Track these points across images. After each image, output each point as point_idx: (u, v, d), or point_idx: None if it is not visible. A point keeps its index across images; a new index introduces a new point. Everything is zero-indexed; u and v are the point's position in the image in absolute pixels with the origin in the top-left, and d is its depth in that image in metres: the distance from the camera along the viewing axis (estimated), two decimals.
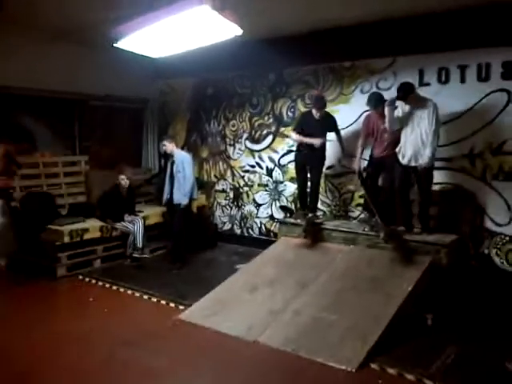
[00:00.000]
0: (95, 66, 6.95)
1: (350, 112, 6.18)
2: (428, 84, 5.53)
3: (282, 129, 6.88)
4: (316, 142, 5.65)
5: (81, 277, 5.73)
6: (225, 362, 3.62)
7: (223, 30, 4.62)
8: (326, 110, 5.80)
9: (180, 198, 6.05)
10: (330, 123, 5.79)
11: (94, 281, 5.60)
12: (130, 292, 5.20)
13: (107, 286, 5.44)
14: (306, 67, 6.56)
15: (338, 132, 5.86)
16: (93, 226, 6.10)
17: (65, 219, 6.16)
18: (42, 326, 4.22)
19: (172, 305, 4.79)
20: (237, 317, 4.30)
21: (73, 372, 3.44)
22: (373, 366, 3.50)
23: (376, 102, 5.35)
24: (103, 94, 7.32)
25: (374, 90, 5.87)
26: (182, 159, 6.12)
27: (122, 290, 5.29)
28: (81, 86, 6.96)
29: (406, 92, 4.92)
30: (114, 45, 4.80)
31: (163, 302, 4.88)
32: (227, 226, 7.63)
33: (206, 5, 4.10)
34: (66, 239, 5.73)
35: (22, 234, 6.06)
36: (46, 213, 6.11)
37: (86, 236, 5.97)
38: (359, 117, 6.03)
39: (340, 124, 6.05)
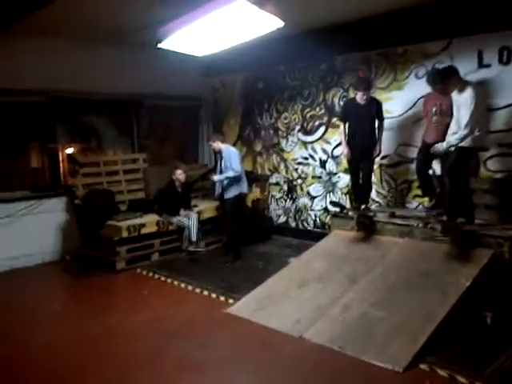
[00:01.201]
0: (148, 67, 7.17)
1: (404, 99, 5.91)
2: (488, 65, 5.15)
3: (334, 119, 6.71)
4: (345, 152, 5.70)
5: (139, 270, 5.97)
6: (269, 358, 3.62)
7: (264, 23, 4.58)
8: (375, 96, 5.60)
9: (229, 192, 6.11)
10: (375, 108, 5.55)
11: (150, 274, 5.82)
12: (183, 285, 5.34)
13: (162, 279, 5.62)
14: (357, 54, 6.35)
15: (382, 119, 5.61)
16: (150, 221, 6.33)
17: (124, 215, 6.45)
18: (97, 318, 4.45)
19: (222, 298, 4.86)
20: (284, 312, 4.28)
21: (122, 363, 3.59)
22: (422, 366, 3.33)
23: (431, 76, 5.05)
24: (157, 93, 7.52)
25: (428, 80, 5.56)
26: (229, 154, 6.17)
27: (176, 282, 5.45)
28: (136, 87, 7.23)
29: (444, 76, 4.68)
30: (158, 45, 4.91)
31: (214, 295, 4.97)
32: (282, 219, 7.61)
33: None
34: (124, 234, 5.98)
35: (85, 229, 6.43)
36: (106, 209, 6.42)
37: (144, 231, 6.20)
38: (415, 103, 5.76)
39: (395, 111, 5.83)
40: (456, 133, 4.62)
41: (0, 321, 4.49)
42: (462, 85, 4.62)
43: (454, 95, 4.71)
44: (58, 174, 6.91)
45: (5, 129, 6.33)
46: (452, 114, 4.78)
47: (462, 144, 4.59)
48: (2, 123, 6.30)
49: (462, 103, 4.56)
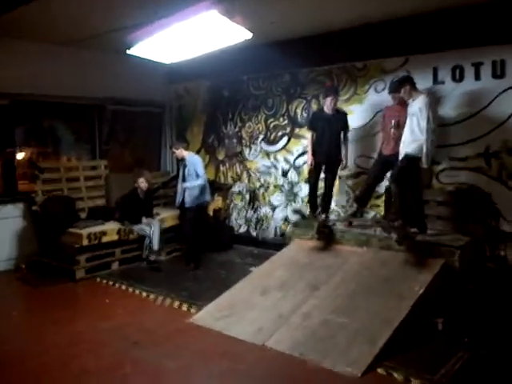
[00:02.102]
0: (112, 71, 7.12)
1: (364, 112, 6.14)
2: (442, 82, 5.46)
3: (297, 130, 6.88)
4: (309, 162, 5.85)
5: (99, 279, 5.87)
6: (232, 367, 3.65)
7: (233, 34, 4.67)
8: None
9: (190, 201, 6.13)
10: (342, 119, 5.73)
11: (111, 283, 5.74)
12: (144, 294, 5.30)
13: (124, 288, 5.56)
14: (320, 68, 6.54)
15: (347, 131, 5.80)
16: (111, 229, 6.24)
17: (84, 222, 6.33)
18: (58, 328, 4.35)
19: (184, 307, 4.86)
20: (246, 320, 4.33)
21: (84, 372, 3.54)
22: (379, 370, 3.47)
23: (390, 84, 5.40)
24: (120, 98, 7.46)
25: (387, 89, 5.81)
26: (193, 162, 6.20)
27: (137, 291, 5.40)
28: (99, 91, 7.15)
29: (399, 83, 4.98)
30: (127, 52, 4.91)
31: (176, 304, 4.96)
32: (243, 229, 7.67)
33: (214, 10, 4.16)
34: (85, 242, 5.88)
35: (43, 236, 6.28)
36: (66, 216, 6.28)
37: (104, 239, 6.11)
38: (374, 116, 6.00)
39: (355, 124, 6.03)
40: (412, 142, 4.77)
41: None
42: (416, 93, 4.85)
43: (409, 106, 4.92)
44: (15, 180, 6.71)
45: None
46: None
47: (411, 152, 4.77)
48: None
49: (416, 111, 4.75)
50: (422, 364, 3.54)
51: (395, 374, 3.41)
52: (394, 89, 5.20)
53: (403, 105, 5.17)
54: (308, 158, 5.91)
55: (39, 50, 6.35)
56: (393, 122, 5.25)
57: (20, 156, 6.86)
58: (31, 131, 7.07)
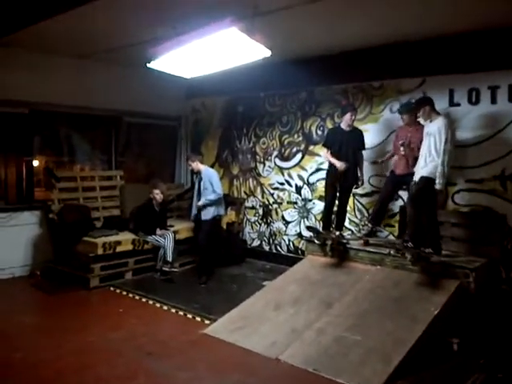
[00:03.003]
0: (131, 84, 7.24)
1: (379, 131, 6.20)
2: (458, 104, 5.50)
3: (311, 147, 6.94)
4: (338, 164, 5.62)
5: (112, 288, 5.92)
6: (245, 379, 3.66)
7: (252, 51, 4.77)
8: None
9: (205, 214, 6.19)
10: (358, 137, 5.79)
11: (124, 292, 5.79)
12: (158, 305, 5.34)
13: (137, 298, 5.60)
14: (336, 86, 6.63)
15: (363, 149, 5.85)
16: (125, 239, 6.31)
17: (99, 231, 6.41)
18: (71, 336, 4.39)
19: (198, 319, 4.89)
20: (260, 334, 4.35)
21: (97, 381, 3.57)
22: None
23: (401, 107, 5.46)
24: (137, 111, 7.59)
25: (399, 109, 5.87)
26: (209, 176, 6.27)
27: (150, 302, 5.44)
28: (116, 104, 7.28)
29: (419, 103, 5.02)
30: (147, 65, 5.03)
31: (190, 315, 4.99)
32: (256, 243, 7.71)
33: (234, 27, 4.27)
34: (100, 251, 5.95)
35: (58, 244, 6.35)
36: (81, 225, 6.37)
37: (119, 248, 6.18)
38: (388, 136, 6.05)
39: (369, 143, 6.08)
40: (429, 163, 4.82)
41: None
42: (435, 115, 4.90)
43: (426, 126, 4.98)
44: (32, 188, 6.83)
45: None
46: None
47: (427, 174, 4.81)
48: None
49: (434, 132, 4.79)
50: None
51: None
52: (410, 109, 5.25)
53: (415, 125, 5.26)
54: (335, 162, 5.69)
55: (59, 62, 6.51)
56: (402, 140, 5.30)
57: (36, 164, 6.97)
58: (48, 140, 7.20)
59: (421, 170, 4.89)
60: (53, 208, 6.45)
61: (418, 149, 5.11)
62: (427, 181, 4.82)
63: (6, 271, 6.14)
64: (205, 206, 6.23)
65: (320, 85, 6.75)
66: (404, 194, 5.73)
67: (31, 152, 6.80)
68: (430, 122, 4.91)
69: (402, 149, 5.26)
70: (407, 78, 5.90)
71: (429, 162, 4.82)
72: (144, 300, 5.49)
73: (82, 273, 5.95)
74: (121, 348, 4.15)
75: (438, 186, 4.77)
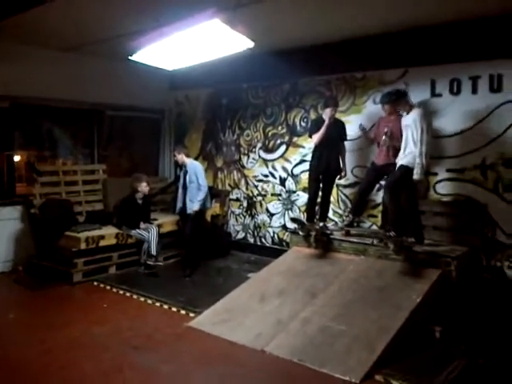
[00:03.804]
0: (113, 77, 7.15)
1: (362, 122, 6.20)
2: (440, 95, 5.55)
3: (295, 138, 6.95)
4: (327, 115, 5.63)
5: (96, 283, 5.87)
6: (231, 371, 3.67)
7: (235, 42, 4.74)
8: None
9: (192, 207, 6.17)
10: (340, 128, 5.81)
11: (108, 287, 5.73)
12: (142, 299, 5.31)
13: (121, 292, 5.56)
14: (319, 77, 6.63)
15: (345, 140, 5.88)
16: (109, 233, 6.25)
17: (82, 226, 6.34)
18: (55, 331, 4.34)
19: (183, 312, 4.88)
20: (245, 326, 4.36)
21: (83, 376, 3.54)
22: (377, 377, 3.50)
23: (383, 96, 5.47)
24: (120, 104, 7.50)
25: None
26: (195, 169, 6.25)
27: (135, 296, 5.40)
28: (99, 97, 7.18)
29: (399, 96, 5.11)
30: (130, 58, 4.96)
31: (174, 309, 4.98)
32: (241, 235, 7.71)
33: (217, 19, 4.23)
34: (83, 245, 5.89)
35: (41, 239, 6.27)
36: (64, 219, 6.28)
37: (102, 243, 6.12)
38: (371, 127, 6.06)
39: (352, 134, 6.10)
40: (407, 154, 4.91)
41: None
42: (410, 107, 5.00)
43: (403, 118, 5.07)
44: (14, 182, 6.72)
45: None
46: (401, 137, 5.10)
47: (405, 164, 4.91)
48: None
49: (410, 124, 4.89)
50: (420, 371, 3.59)
51: (393, 381, 3.45)
52: (391, 100, 5.28)
53: (396, 116, 5.31)
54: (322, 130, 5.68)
55: (40, 54, 6.37)
56: (385, 129, 5.32)
57: (17, 159, 6.86)
58: (30, 134, 7.07)
59: (400, 161, 4.98)
60: (35, 203, 6.36)
61: (398, 139, 5.17)
62: (405, 169, 4.92)
63: None
64: (190, 200, 6.21)
65: (303, 76, 6.74)
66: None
67: (12, 146, 6.67)
68: (407, 113, 5.00)
69: (384, 138, 5.30)
70: (390, 69, 5.93)
71: (408, 153, 4.92)
72: (128, 294, 5.46)
73: (64, 268, 5.88)
74: (106, 343, 4.12)
75: (416, 176, 4.84)
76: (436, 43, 5.46)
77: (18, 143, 6.87)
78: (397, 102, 5.13)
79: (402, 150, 5.01)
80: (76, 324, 4.57)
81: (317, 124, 5.82)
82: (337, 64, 6.34)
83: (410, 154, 4.88)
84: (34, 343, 4.08)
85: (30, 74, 6.30)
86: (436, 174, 5.60)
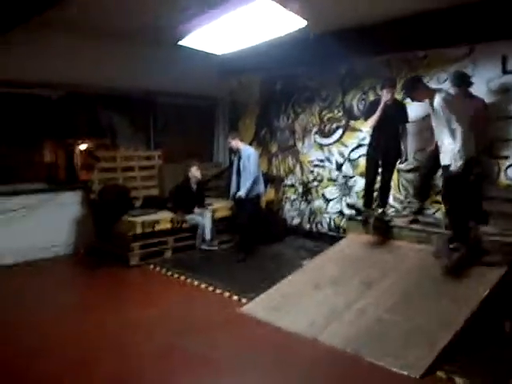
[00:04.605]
0: (164, 64, 7.11)
1: (424, 104, 5.82)
2: None
3: (352, 122, 6.68)
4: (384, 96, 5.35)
5: (152, 266, 5.97)
6: (282, 358, 3.59)
7: (287, 22, 4.56)
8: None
9: (245, 193, 6.10)
10: (400, 110, 5.48)
11: (164, 270, 5.81)
12: (196, 283, 5.32)
13: (176, 276, 5.61)
14: (378, 58, 6.30)
15: (406, 122, 5.54)
16: (164, 218, 6.33)
17: (138, 211, 6.48)
18: (110, 312, 4.46)
19: (235, 297, 4.84)
20: (298, 313, 4.25)
21: (132, 357, 3.59)
22: (439, 373, 3.28)
23: (456, 79, 5.03)
24: (173, 91, 7.52)
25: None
26: (249, 155, 6.17)
27: (189, 280, 5.43)
28: (151, 84, 7.21)
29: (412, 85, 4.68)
30: (179, 43, 4.91)
31: (227, 294, 4.95)
32: (296, 221, 7.57)
33: None
34: (139, 230, 6.00)
35: (100, 223, 6.44)
36: (121, 204, 6.44)
37: (158, 227, 6.21)
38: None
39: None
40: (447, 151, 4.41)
41: (16, 310, 4.51)
42: (431, 93, 4.50)
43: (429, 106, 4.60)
44: (74, 169, 6.97)
45: (24, 122, 6.39)
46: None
47: (447, 163, 4.38)
48: (23, 116, 6.37)
49: (433, 112, 4.45)
50: (487, 370, 3.33)
51: (457, 379, 3.21)
52: (463, 82, 4.92)
53: (465, 98, 4.90)
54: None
55: (94, 43, 6.45)
56: None
57: (81, 147, 7.09)
58: (90, 123, 7.26)
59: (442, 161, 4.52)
60: (93, 188, 6.55)
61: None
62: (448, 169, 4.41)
63: (51, 250, 6.29)
64: (244, 185, 6.17)
65: (361, 57, 6.43)
66: None
67: (71, 134, 6.90)
68: (430, 100, 4.52)
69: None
70: (454, 47, 5.51)
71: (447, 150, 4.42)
72: (182, 278, 5.50)
73: (122, 251, 6.03)
74: (157, 325, 4.16)
75: (453, 168, 4.32)
76: (505, 16, 4.98)
77: (78, 131, 7.09)
78: (415, 90, 4.63)
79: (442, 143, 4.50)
80: (130, 306, 4.68)
81: (373, 106, 5.55)
82: (397, 43, 5.98)
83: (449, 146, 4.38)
84: (90, 323, 4.20)
85: (83, 62, 6.40)
86: (507, 158, 5.16)
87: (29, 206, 6.16)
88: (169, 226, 6.33)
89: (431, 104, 4.48)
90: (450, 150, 4.35)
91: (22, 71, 5.89)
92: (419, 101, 4.79)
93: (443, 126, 4.40)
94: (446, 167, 4.41)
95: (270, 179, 7.55)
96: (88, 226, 6.57)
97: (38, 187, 6.41)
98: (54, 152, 6.91)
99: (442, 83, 5.60)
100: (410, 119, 5.61)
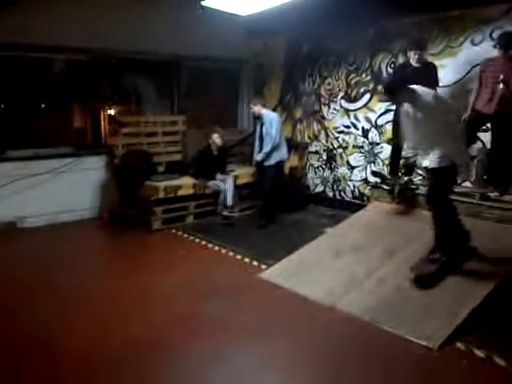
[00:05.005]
0: (190, 27, 6.94)
1: (457, 66, 5.57)
2: None
3: (381, 86, 6.42)
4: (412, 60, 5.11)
5: (174, 231, 6.03)
6: (301, 325, 3.58)
7: None
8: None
9: (269, 159, 6.03)
10: (430, 73, 5.17)
11: (186, 235, 5.87)
12: (217, 248, 5.35)
13: (197, 240, 5.65)
14: (408, 19, 5.98)
15: (435, 85, 5.20)
16: (186, 183, 6.34)
17: (161, 176, 6.50)
18: (132, 276, 4.53)
19: (255, 263, 4.84)
20: (317, 280, 4.21)
21: (155, 321, 3.63)
22: (458, 345, 3.21)
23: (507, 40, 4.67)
24: (197, 55, 7.38)
25: (488, 40, 5.20)
26: (271, 120, 6.07)
27: (210, 245, 5.46)
28: (177, 48, 7.07)
29: None
30: (202, 3, 4.77)
31: (247, 259, 4.96)
32: (319, 188, 7.47)
33: None
34: (161, 194, 6.04)
35: (123, 188, 6.50)
36: (144, 169, 6.47)
37: (180, 192, 6.24)
38: (469, 71, 5.42)
39: (446, 80, 5.50)
40: None
41: (41, 273, 4.61)
42: None
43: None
44: (99, 133, 7.00)
45: (49, 86, 6.42)
46: None
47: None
48: (47, 80, 6.38)
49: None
50: (508, 344, 3.23)
51: (477, 351, 3.13)
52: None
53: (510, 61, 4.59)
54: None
55: (117, 4, 6.33)
56: (501, 76, 4.63)
57: (106, 112, 7.10)
58: (114, 88, 7.23)
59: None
60: (116, 153, 6.57)
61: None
62: None
63: (76, 213, 6.41)
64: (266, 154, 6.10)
65: (390, 18, 6.11)
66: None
67: (96, 99, 6.90)
68: None
69: (501, 86, 4.65)
70: (492, 5, 5.16)
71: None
72: (204, 243, 5.53)
73: (145, 215, 6.09)
74: (178, 290, 4.21)
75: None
76: None
77: (102, 96, 7.07)
78: None
79: None
80: (153, 269, 4.75)
81: (400, 70, 5.33)
82: (428, 2, 5.66)
83: None
84: (112, 286, 4.30)
85: (108, 25, 6.28)
86: None
87: (54, 170, 6.25)
88: (191, 191, 6.34)
89: None
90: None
91: (48, 36, 5.85)
92: None
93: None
94: (432, 169, 3.89)
95: (294, 145, 7.43)
96: (112, 191, 6.64)
97: (62, 152, 6.49)
98: (82, 117, 6.96)
99: (477, 44, 5.30)
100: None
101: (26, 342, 3.29)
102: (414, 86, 3.85)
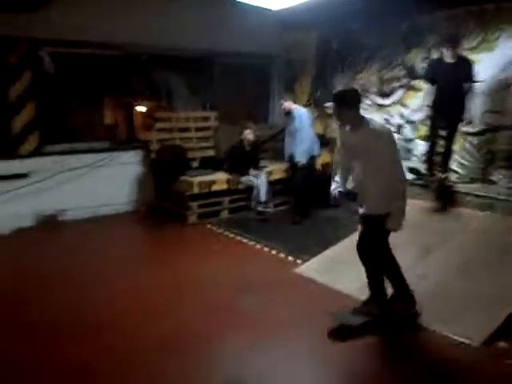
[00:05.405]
0: (221, 23, 7.01)
1: (494, 61, 5.47)
2: None
3: (414, 82, 6.37)
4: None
5: (209, 225, 6.13)
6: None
7: None
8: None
9: (299, 155, 6.06)
10: (465, 68, 5.11)
11: (220, 230, 5.96)
12: (252, 243, 5.42)
13: (231, 235, 5.74)
14: (442, 13, 5.90)
15: (472, 82, 5.16)
16: (220, 179, 6.43)
17: (195, 171, 6.62)
18: (166, 268, 4.66)
19: (290, 258, 4.90)
20: (351, 276, 4.19)
21: (190, 312, 3.74)
22: (502, 344, 3.19)
23: None
24: (230, 50, 7.44)
25: None
26: (301, 116, 6.09)
27: (244, 240, 5.54)
28: (209, 44, 7.15)
29: None
30: None
31: (282, 254, 5.01)
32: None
33: None
34: (196, 189, 6.15)
35: (159, 182, 6.63)
36: (179, 164, 6.59)
37: (214, 188, 6.34)
38: (507, 67, 5.32)
39: (483, 75, 5.41)
40: None
41: (81, 264, 4.79)
42: None
43: None
44: (133, 129, 7.14)
45: (83, 82, 6.57)
46: None
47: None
48: (81, 76, 6.54)
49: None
50: None
51: None
52: None
53: None
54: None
55: (150, 3, 6.44)
56: None
57: (139, 108, 7.24)
58: (146, 84, 7.35)
59: None
60: (151, 148, 6.70)
61: None
62: None
63: (111, 207, 6.56)
64: (299, 148, 6.14)
65: (424, 12, 6.04)
66: None
67: (129, 95, 7.04)
68: None
69: None
70: None
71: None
72: (238, 238, 5.62)
73: (181, 210, 6.21)
74: (211, 283, 4.29)
75: None
76: None
77: (134, 92, 7.20)
78: None
79: None
80: (189, 262, 4.85)
81: (431, 70, 5.30)
82: None
83: None
84: (149, 277, 4.41)
85: (141, 22, 6.41)
86: None
87: (91, 164, 6.42)
88: (225, 186, 6.43)
89: None
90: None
91: (86, 32, 6.00)
92: None
93: None
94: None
95: (325, 142, 7.41)
96: (148, 185, 6.78)
97: (99, 146, 6.66)
98: (115, 112, 7.11)
99: None
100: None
101: (64, 326, 3.46)
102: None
